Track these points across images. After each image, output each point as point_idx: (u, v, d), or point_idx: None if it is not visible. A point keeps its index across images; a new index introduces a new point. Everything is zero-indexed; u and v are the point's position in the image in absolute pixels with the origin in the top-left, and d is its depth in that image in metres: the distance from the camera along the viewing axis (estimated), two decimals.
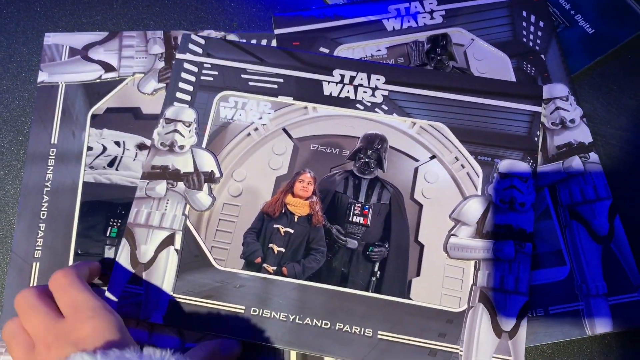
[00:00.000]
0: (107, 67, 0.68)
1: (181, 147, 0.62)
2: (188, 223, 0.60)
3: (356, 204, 0.60)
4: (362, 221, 0.60)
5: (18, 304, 0.51)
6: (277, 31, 0.69)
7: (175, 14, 0.73)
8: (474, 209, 0.60)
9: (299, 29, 0.70)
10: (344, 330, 0.56)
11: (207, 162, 0.62)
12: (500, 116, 0.63)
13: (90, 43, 0.70)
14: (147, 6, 0.73)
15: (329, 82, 0.65)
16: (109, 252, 0.60)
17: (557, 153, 0.63)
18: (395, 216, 0.60)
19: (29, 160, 0.64)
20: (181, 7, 0.74)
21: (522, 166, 0.61)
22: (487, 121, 0.63)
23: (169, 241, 0.59)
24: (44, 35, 0.70)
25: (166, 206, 0.61)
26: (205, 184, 0.61)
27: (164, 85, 0.67)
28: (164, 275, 0.58)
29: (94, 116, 0.66)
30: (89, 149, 0.64)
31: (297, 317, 0.56)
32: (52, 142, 0.65)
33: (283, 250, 0.59)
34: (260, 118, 0.64)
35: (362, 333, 0.56)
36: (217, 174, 0.62)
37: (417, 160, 0.62)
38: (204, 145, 0.63)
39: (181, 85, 0.65)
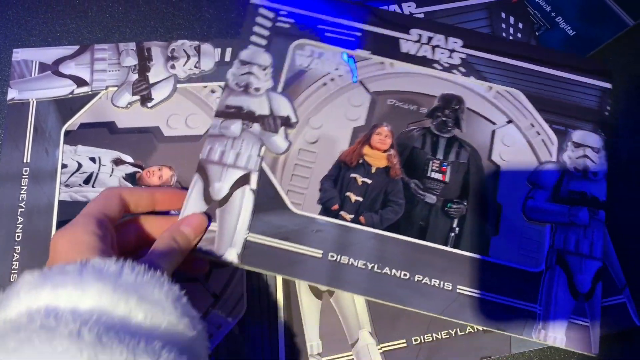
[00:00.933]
0: (79, 82, 0.66)
1: (257, 89, 0.61)
2: (264, 165, 0.58)
3: (434, 160, 0.60)
4: (440, 177, 0.59)
5: None
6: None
7: (151, 22, 0.71)
8: (550, 174, 0.60)
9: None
10: (423, 282, 0.55)
11: (283, 107, 0.60)
12: (573, 88, 0.64)
13: (60, 57, 0.67)
14: (122, 14, 0.72)
15: (406, 40, 0.65)
16: None
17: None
18: (473, 175, 0.60)
19: (1, 181, 0.62)
20: (157, 15, 0.72)
21: (595, 138, 0.62)
22: (560, 92, 0.64)
23: (244, 180, 0.57)
24: (12, 51, 0.67)
25: (241, 145, 0.59)
26: (282, 128, 0.59)
27: (138, 97, 0.66)
28: (239, 213, 0.56)
29: (67, 132, 0.64)
30: (64, 166, 0.63)
31: (376, 265, 0.55)
32: (24, 161, 0.63)
33: (361, 199, 0.58)
34: (337, 69, 0.63)
35: (441, 286, 0.55)
36: (294, 119, 0.60)
37: (494, 123, 0.62)
38: (279, 90, 0.61)
39: (256, 29, 0.63)
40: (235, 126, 0.59)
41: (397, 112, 0.61)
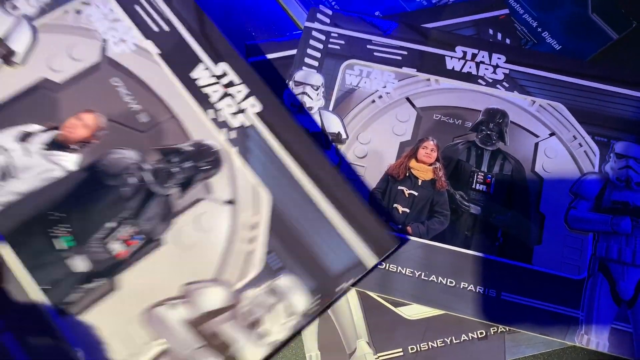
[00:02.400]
0: None
1: (309, 108, 0.65)
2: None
3: (479, 173, 0.63)
4: (484, 189, 0.62)
5: None
6: (250, 59, 0.68)
7: None
8: (593, 185, 0.62)
9: (274, 56, 0.70)
10: (468, 289, 0.58)
11: (334, 124, 0.65)
12: (615, 101, 0.66)
13: None
14: None
15: (451, 57, 0.68)
16: None
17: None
18: (516, 186, 0.62)
19: None
20: None
21: (637, 148, 0.64)
22: (602, 104, 0.66)
23: None
24: None
25: None
26: (333, 144, 0.63)
27: None
28: None
29: None
30: None
31: (423, 273, 0.58)
32: None
33: (407, 210, 0.61)
34: (385, 87, 0.66)
35: (486, 293, 0.58)
36: (344, 135, 0.64)
37: (537, 136, 0.64)
38: (330, 109, 0.65)
39: (309, 51, 0.68)
40: None
41: (443, 127, 0.65)
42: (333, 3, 0.73)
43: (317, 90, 0.66)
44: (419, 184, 0.62)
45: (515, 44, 0.70)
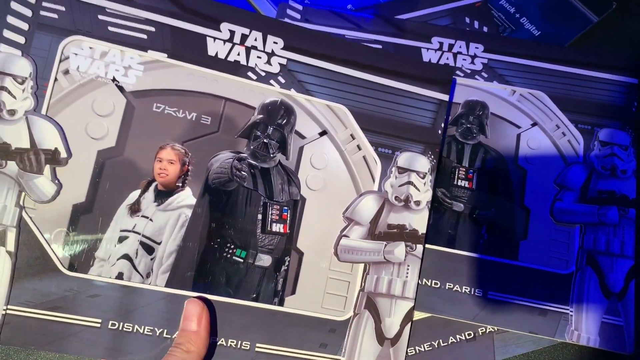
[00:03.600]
0: None
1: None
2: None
3: (460, 168, 0.61)
4: (467, 185, 0.60)
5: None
6: None
7: None
8: (578, 174, 0.60)
9: None
10: (454, 290, 0.56)
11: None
12: (597, 86, 0.64)
13: None
14: None
15: (428, 49, 0.65)
16: None
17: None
18: (500, 180, 0.60)
19: None
20: None
21: (622, 135, 0.62)
22: (585, 91, 0.64)
23: None
24: None
25: None
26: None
27: None
28: None
29: None
30: None
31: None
32: None
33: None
34: None
35: (472, 293, 0.56)
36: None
37: (518, 127, 0.62)
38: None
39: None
40: None
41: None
42: None
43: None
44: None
45: (492, 31, 0.68)
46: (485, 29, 0.68)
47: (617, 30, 0.69)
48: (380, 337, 0.53)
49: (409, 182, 0.55)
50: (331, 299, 0.52)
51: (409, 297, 0.54)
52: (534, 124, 0.63)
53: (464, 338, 0.57)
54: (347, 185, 0.55)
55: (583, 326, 0.55)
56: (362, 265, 0.53)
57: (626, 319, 0.56)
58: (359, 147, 0.55)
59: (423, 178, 0.56)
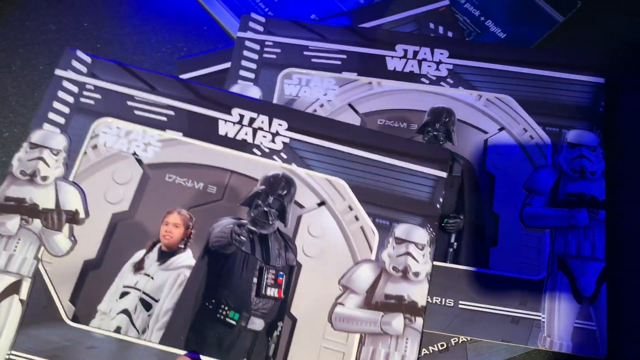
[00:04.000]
0: None
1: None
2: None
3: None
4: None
5: None
6: (182, 77, 0.64)
7: None
8: (546, 178, 0.60)
9: (208, 70, 0.65)
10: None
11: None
12: (565, 87, 0.64)
13: None
14: (47, 64, 0.66)
15: (392, 57, 0.65)
16: None
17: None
18: (468, 188, 0.60)
19: None
20: None
21: (590, 136, 0.62)
22: (552, 93, 0.63)
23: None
24: None
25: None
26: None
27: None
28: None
29: None
30: None
31: None
32: None
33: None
34: (326, 94, 0.64)
35: (443, 303, 0.56)
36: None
37: (486, 133, 0.62)
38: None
39: (244, 63, 0.65)
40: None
41: (388, 132, 0.62)
42: (266, 9, 0.69)
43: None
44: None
45: (458, 36, 0.67)
46: (450, 34, 0.67)
47: (582, 30, 0.69)
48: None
49: (407, 253, 0.55)
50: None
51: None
52: (501, 129, 0.62)
53: (436, 349, 0.56)
54: (344, 254, 0.55)
55: (555, 332, 0.55)
56: (357, 336, 0.53)
57: (598, 323, 0.55)
58: (356, 218, 0.56)
59: (422, 250, 0.55)
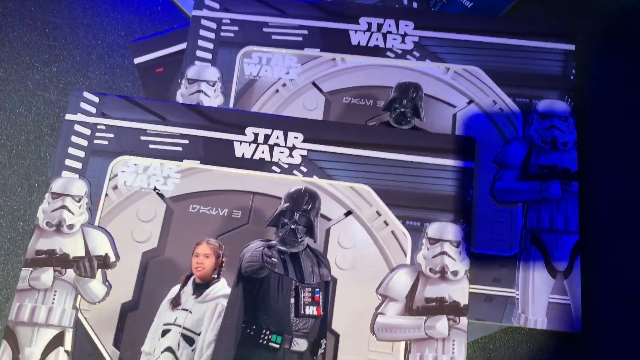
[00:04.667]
0: None
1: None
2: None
3: None
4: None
5: None
6: (136, 60, 0.63)
7: (26, 57, 0.64)
8: (517, 151, 0.58)
9: (163, 52, 0.63)
10: None
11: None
12: (533, 56, 0.62)
13: None
14: None
15: (356, 31, 0.62)
16: None
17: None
18: None
19: None
20: (32, 48, 0.65)
21: (561, 105, 0.60)
22: (521, 62, 0.61)
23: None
24: None
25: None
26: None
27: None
28: None
29: None
30: None
31: None
32: None
33: None
34: (288, 73, 0.61)
35: None
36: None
37: (454, 107, 0.60)
38: (231, 104, 0.59)
39: (201, 43, 0.62)
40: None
41: (354, 110, 0.60)
42: None
43: (213, 86, 0.60)
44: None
45: (423, 6, 0.64)
46: (415, 4, 0.65)
47: None
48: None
49: (443, 253, 0.53)
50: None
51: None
52: (470, 102, 0.60)
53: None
54: (377, 262, 0.53)
55: (530, 309, 0.54)
56: (403, 344, 0.51)
57: (573, 297, 0.54)
58: (386, 223, 0.54)
59: (457, 247, 0.53)
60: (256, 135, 0.57)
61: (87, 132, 0.57)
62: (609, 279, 0.57)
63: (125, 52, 0.63)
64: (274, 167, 0.56)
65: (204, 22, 0.62)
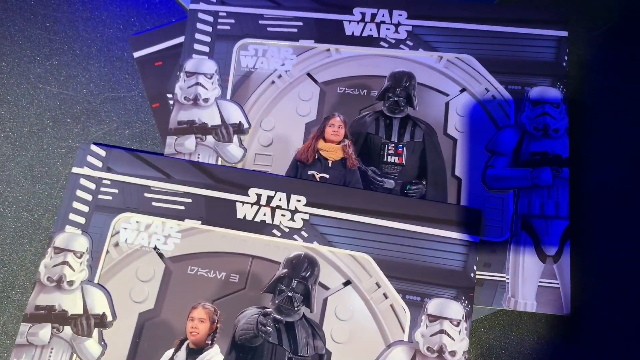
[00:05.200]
0: None
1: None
2: None
3: (389, 144, 0.60)
4: (396, 160, 0.59)
5: None
6: (136, 54, 0.64)
7: (27, 50, 0.66)
8: (509, 138, 0.59)
9: (162, 46, 0.65)
10: None
11: (234, 114, 0.60)
12: (526, 43, 0.62)
13: None
14: None
15: (350, 21, 0.63)
16: None
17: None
18: (430, 152, 0.59)
19: None
20: (33, 42, 0.66)
21: (553, 92, 0.61)
22: (514, 49, 0.62)
23: None
24: None
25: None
26: (235, 136, 0.59)
27: None
28: None
29: None
30: None
31: None
32: None
33: (327, 176, 0.58)
34: (283, 64, 0.62)
35: None
36: (246, 125, 0.60)
37: (447, 95, 0.61)
38: (228, 97, 0.61)
39: (198, 36, 0.63)
40: (190, 142, 0.60)
41: (348, 100, 0.61)
42: None
43: (211, 78, 0.62)
44: (329, 165, 0.59)
45: None
46: None
47: None
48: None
49: (442, 331, 0.52)
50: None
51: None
52: (463, 90, 0.61)
53: None
54: (374, 336, 0.53)
55: (520, 292, 0.55)
56: None
57: (562, 281, 0.56)
58: (385, 296, 0.54)
59: (457, 326, 0.52)
60: (259, 196, 0.57)
61: (93, 186, 0.57)
62: (597, 263, 0.58)
63: (124, 45, 0.65)
64: (274, 231, 0.56)
65: (201, 15, 0.64)
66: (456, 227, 0.55)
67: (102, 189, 0.57)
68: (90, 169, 0.58)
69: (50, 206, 0.61)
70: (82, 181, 0.57)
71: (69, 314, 0.53)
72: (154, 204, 0.57)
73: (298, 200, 0.56)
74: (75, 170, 0.58)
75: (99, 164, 0.58)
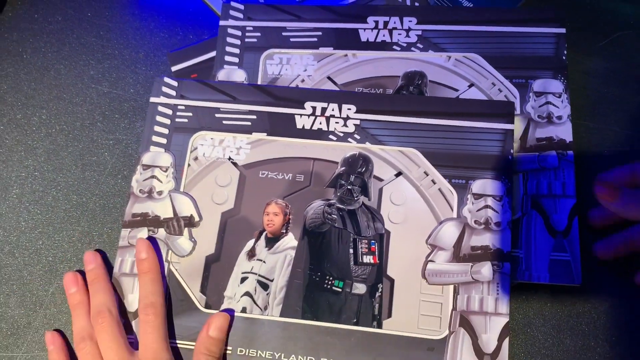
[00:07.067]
0: None
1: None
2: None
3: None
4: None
5: (97, 323, 0.57)
6: (174, 68, 0.71)
7: (83, 55, 0.75)
8: (515, 127, 0.64)
9: (198, 60, 0.72)
10: None
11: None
12: (527, 40, 0.68)
13: None
14: (55, 51, 0.75)
15: (365, 29, 0.70)
16: None
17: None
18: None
19: None
20: (88, 48, 0.75)
21: (555, 83, 0.66)
22: (517, 47, 0.67)
23: None
24: None
25: None
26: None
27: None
28: None
29: None
30: None
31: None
32: None
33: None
34: (305, 70, 0.69)
35: None
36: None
37: (456, 90, 0.66)
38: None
39: (228, 49, 0.70)
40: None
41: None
42: None
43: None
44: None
45: (423, 3, 0.71)
46: (417, 3, 0.72)
47: None
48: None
49: (487, 206, 0.59)
50: (426, 320, 0.57)
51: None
52: (471, 85, 0.67)
53: None
54: (426, 216, 0.60)
55: (533, 266, 0.60)
56: (451, 287, 0.58)
57: (572, 254, 0.60)
58: (433, 182, 0.60)
59: (500, 200, 0.59)
60: (314, 108, 0.64)
61: (169, 112, 0.66)
62: (605, 235, 0.62)
63: (166, 51, 0.73)
64: (330, 136, 0.63)
65: (230, 30, 0.71)
66: (492, 118, 0.62)
67: (178, 113, 0.65)
68: (166, 97, 0.66)
69: (97, 190, 0.68)
70: (160, 108, 0.66)
71: (162, 218, 0.62)
72: (224, 122, 0.65)
73: (349, 109, 0.64)
74: (153, 99, 0.66)
75: (173, 92, 0.66)
